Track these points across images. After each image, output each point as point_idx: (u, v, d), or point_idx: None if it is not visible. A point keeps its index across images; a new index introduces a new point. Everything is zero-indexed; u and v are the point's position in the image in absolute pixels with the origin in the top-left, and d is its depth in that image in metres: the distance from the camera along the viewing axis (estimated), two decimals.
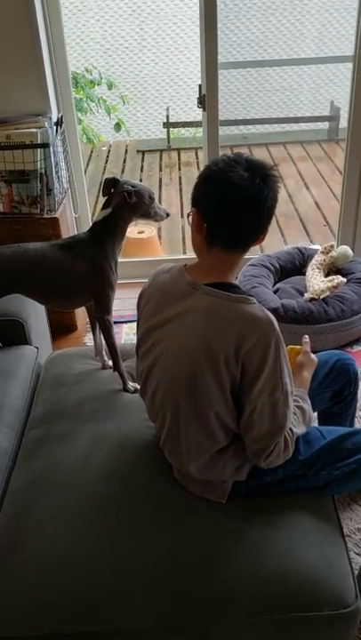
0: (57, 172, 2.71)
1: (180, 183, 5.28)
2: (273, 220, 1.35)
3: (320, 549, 1.37)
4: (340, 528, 1.44)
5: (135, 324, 1.56)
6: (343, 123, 5.02)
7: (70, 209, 2.99)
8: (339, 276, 2.78)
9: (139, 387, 1.61)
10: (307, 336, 1.68)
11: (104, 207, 1.87)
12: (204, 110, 3.00)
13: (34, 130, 2.58)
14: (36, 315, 2.23)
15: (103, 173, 5.50)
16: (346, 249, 2.94)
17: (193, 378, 1.32)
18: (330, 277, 2.79)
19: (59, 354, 2.12)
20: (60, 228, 2.66)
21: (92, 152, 5.75)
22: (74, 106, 3.03)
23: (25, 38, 2.60)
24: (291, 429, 1.37)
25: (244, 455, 1.40)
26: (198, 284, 1.35)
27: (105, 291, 1.87)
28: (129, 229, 1.93)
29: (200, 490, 1.46)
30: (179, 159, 5.81)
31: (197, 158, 5.71)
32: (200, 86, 2.97)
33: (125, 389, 1.85)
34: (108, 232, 1.85)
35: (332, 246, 2.93)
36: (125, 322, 2.98)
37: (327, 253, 2.91)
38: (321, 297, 2.68)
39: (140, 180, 5.10)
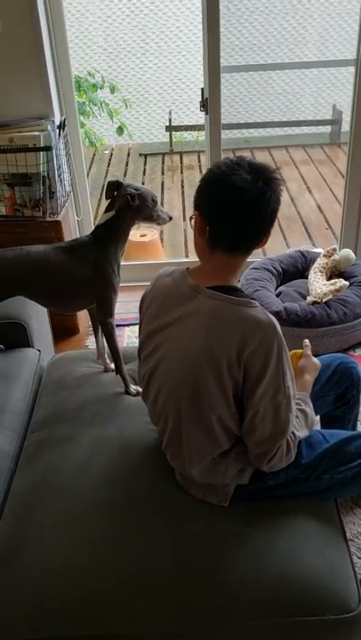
0: (59, 175, 2.71)
1: (183, 186, 5.28)
2: (275, 224, 1.35)
3: (323, 553, 1.36)
4: (342, 532, 1.44)
5: (137, 327, 1.56)
6: (345, 126, 5.04)
7: (73, 212, 2.99)
8: (341, 280, 2.77)
9: (141, 390, 1.61)
10: (307, 340, 1.68)
11: (107, 210, 1.87)
12: (206, 114, 3.01)
13: (37, 133, 2.59)
14: (38, 317, 2.23)
15: (105, 177, 5.51)
16: (348, 252, 2.94)
17: (195, 382, 1.32)
18: (332, 281, 2.78)
19: (61, 357, 2.12)
20: (62, 230, 2.66)
21: (94, 155, 5.76)
22: (76, 109, 3.04)
23: (28, 42, 2.61)
24: (293, 433, 1.37)
25: (246, 459, 1.40)
26: (201, 288, 1.35)
27: (107, 293, 1.87)
28: (131, 232, 1.93)
29: (202, 493, 1.46)
30: (181, 162, 5.82)
31: (200, 162, 5.71)
32: (202, 90, 2.98)
33: (127, 392, 1.84)
34: (110, 235, 1.86)
35: (334, 249, 2.93)
36: (128, 325, 2.98)
37: (330, 257, 2.90)
38: (323, 300, 2.68)
39: (143, 184, 5.11)
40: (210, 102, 2.95)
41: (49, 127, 2.64)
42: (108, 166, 5.80)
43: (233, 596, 1.29)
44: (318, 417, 1.86)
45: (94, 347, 2.06)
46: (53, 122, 2.70)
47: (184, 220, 4.56)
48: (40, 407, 1.86)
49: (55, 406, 1.82)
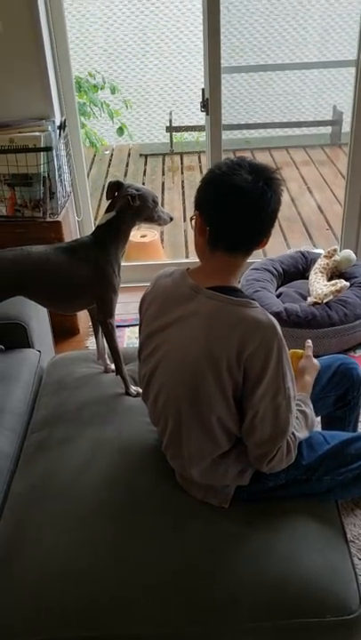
0: (60, 176, 2.71)
1: (183, 187, 5.28)
2: (276, 224, 1.35)
3: (323, 555, 1.36)
4: (343, 533, 1.43)
5: (137, 327, 1.56)
6: (346, 127, 5.05)
7: (73, 212, 2.99)
8: (342, 280, 2.77)
9: (141, 390, 1.61)
10: (309, 340, 1.67)
11: (107, 210, 1.87)
12: (207, 114, 3.01)
13: (37, 133, 2.59)
14: (38, 318, 2.23)
15: (106, 177, 5.51)
16: (349, 253, 2.94)
17: (195, 382, 1.32)
18: (333, 281, 2.78)
19: (61, 357, 2.12)
20: (62, 231, 2.66)
21: (94, 156, 5.76)
22: (77, 110, 3.04)
23: (29, 42, 2.60)
24: (293, 434, 1.37)
25: (246, 460, 1.39)
26: (200, 288, 1.35)
27: (108, 294, 1.86)
28: (131, 233, 1.93)
29: (202, 494, 1.46)
30: (182, 163, 5.82)
31: (200, 162, 5.71)
32: (203, 90, 2.98)
33: (128, 393, 1.84)
34: (111, 235, 1.85)
35: (335, 250, 2.92)
36: (128, 326, 2.98)
37: (330, 257, 2.90)
38: (324, 301, 2.68)
39: (143, 184, 5.11)
40: (210, 103, 2.95)
41: (49, 128, 2.64)
42: (109, 167, 5.80)
43: (233, 598, 1.29)
44: (319, 418, 1.85)
45: (94, 347, 2.06)
46: (54, 122, 2.70)
47: (184, 220, 4.56)
48: (40, 408, 1.86)
49: (55, 407, 1.82)
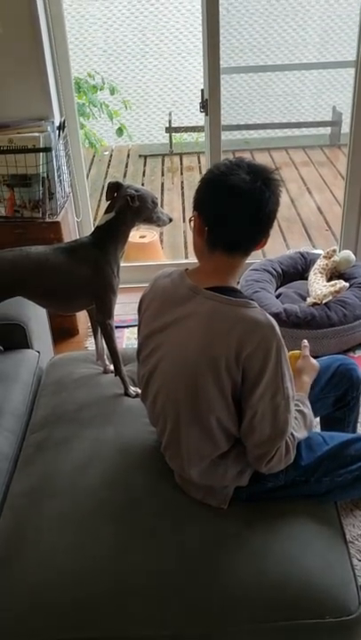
0: (59, 177, 2.71)
1: (183, 188, 5.28)
2: (275, 225, 1.35)
3: (322, 556, 1.36)
4: (342, 534, 1.43)
5: (136, 328, 1.56)
6: (345, 128, 5.04)
7: (72, 213, 2.99)
8: (341, 281, 2.77)
9: (140, 391, 1.61)
10: (305, 340, 1.67)
11: (107, 211, 1.87)
12: (206, 115, 3.01)
13: (36, 134, 2.58)
14: (37, 318, 2.23)
15: (105, 178, 5.51)
16: (348, 253, 2.94)
17: (194, 383, 1.32)
18: (332, 282, 2.78)
19: (60, 358, 2.11)
20: (61, 232, 2.66)
21: (94, 157, 5.77)
22: (76, 111, 3.04)
23: (28, 43, 2.60)
24: (292, 434, 1.37)
25: (245, 460, 1.39)
26: (199, 289, 1.34)
27: (107, 295, 1.86)
28: (131, 234, 1.92)
29: (201, 495, 1.45)
30: (181, 164, 5.82)
31: (200, 163, 5.72)
32: (202, 91, 2.98)
33: (127, 394, 1.84)
34: (110, 236, 1.85)
35: (334, 251, 2.92)
36: (127, 326, 2.97)
37: (330, 258, 2.90)
38: (323, 302, 2.68)
39: (143, 185, 5.11)
40: (210, 103, 2.95)
41: (49, 128, 2.63)
42: (108, 167, 5.80)
43: (232, 599, 1.29)
44: (318, 419, 1.85)
45: (93, 348, 2.06)
46: (53, 123, 2.70)
47: (184, 221, 4.56)
48: (39, 408, 1.86)
49: (54, 408, 1.81)
